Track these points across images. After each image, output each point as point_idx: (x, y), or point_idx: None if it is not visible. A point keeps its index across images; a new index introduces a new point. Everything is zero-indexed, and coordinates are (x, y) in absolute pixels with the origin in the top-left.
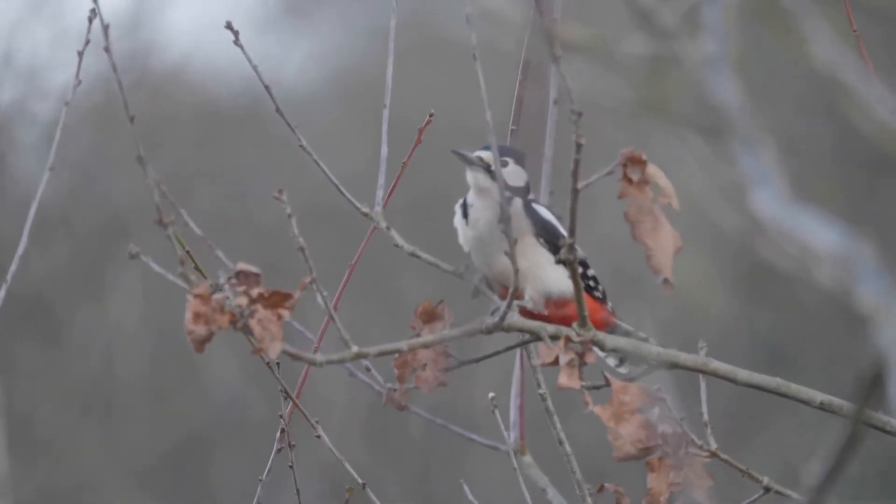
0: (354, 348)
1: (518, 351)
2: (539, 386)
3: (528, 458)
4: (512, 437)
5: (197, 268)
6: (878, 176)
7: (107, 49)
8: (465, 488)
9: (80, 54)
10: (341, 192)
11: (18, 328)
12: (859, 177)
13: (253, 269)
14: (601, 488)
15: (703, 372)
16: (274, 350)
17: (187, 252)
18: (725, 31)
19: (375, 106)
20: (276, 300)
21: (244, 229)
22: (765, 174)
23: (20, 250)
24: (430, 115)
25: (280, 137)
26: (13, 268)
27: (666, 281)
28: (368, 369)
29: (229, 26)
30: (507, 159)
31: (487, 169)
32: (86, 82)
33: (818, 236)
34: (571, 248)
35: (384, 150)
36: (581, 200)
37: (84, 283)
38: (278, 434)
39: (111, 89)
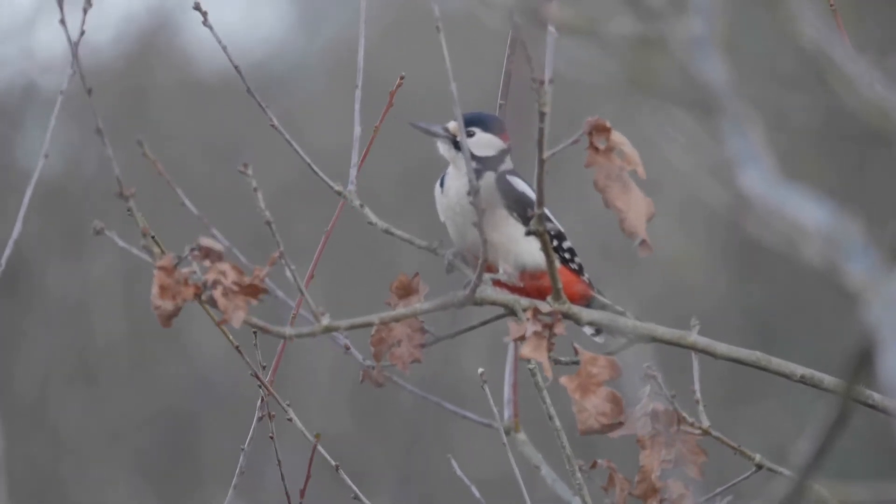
0: (325, 321)
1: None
2: (528, 361)
3: (521, 436)
4: (506, 415)
5: (157, 243)
6: (866, 152)
7: (62, 22)
8: (454, 463)
9: (75, 44)
10: (314, 171)
11: None
12: (847, 153)
13: (216, 245)
14: (594, 464)
15: (682, 346)
16: (237, 320)
17: (154, 238)
18: (712, 10)
19: (366, 78)
20: (249, 288)
21: (240, 202)
22: (753, 152)
23: (15, 234)
24: (401, 78)
25: (278, 110)
26: (8, 251)
27: (643, 243)
28: (348, 348)
29: (197, 7)
30: (474, 129)
31: (453, 140)
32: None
33: (806, 214)
34: (540, 218)
35: (357, 130)
36: (572, 178)
37: (61, 248)
38: (258, 403)
39: (106, 57)
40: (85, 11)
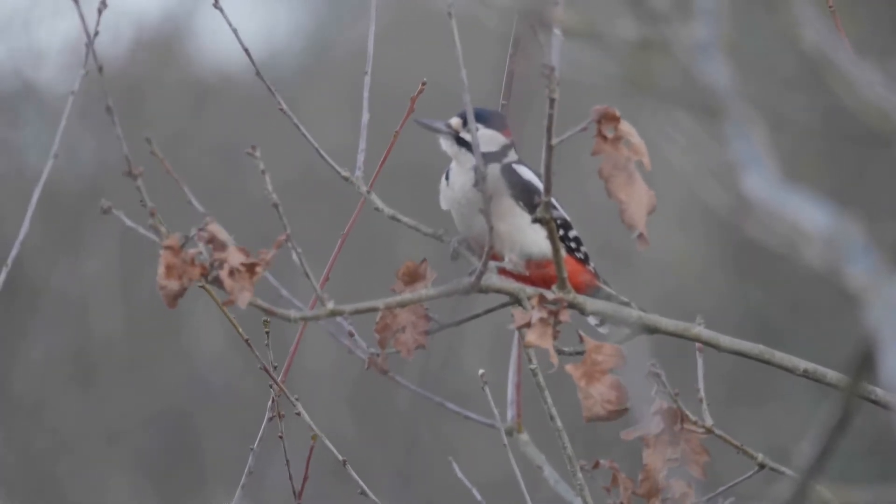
0: (330, 305)
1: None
2: (530, 361)
3: (524, 436)
4: (509, 415)
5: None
6: (866, 153)
7: (81, 19)
8: (455, 465)
9: (89, 45)
10: (322, 157)
11: None
12: (847, 154)
13: (222, 233)
14: (596, 464)
15: (685, 337)
16: (243, 300)
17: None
18: (719, 15)
19: (373, 77)
20: (250, 265)
21: (239, 204)
22: (755, 156)
23: (21, 235)
24: (423, 84)
25: (285, 109)
26: (14, 252)
27: (640, 236)
28: (352, 334)
29: None
30: (477, 125)
31: (456, 136)
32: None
33: (808, 216)
34: (547, 206)
35: (365, 116)
36: (571, 180)
37: (59, 248)
38: (269, 403)
39: (106, 57)
40: (100, 12)
